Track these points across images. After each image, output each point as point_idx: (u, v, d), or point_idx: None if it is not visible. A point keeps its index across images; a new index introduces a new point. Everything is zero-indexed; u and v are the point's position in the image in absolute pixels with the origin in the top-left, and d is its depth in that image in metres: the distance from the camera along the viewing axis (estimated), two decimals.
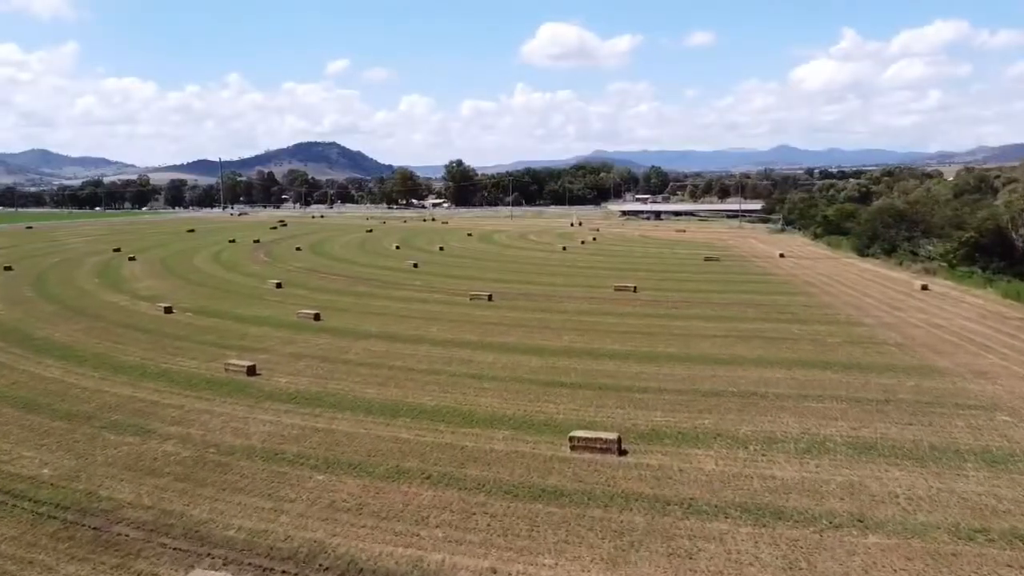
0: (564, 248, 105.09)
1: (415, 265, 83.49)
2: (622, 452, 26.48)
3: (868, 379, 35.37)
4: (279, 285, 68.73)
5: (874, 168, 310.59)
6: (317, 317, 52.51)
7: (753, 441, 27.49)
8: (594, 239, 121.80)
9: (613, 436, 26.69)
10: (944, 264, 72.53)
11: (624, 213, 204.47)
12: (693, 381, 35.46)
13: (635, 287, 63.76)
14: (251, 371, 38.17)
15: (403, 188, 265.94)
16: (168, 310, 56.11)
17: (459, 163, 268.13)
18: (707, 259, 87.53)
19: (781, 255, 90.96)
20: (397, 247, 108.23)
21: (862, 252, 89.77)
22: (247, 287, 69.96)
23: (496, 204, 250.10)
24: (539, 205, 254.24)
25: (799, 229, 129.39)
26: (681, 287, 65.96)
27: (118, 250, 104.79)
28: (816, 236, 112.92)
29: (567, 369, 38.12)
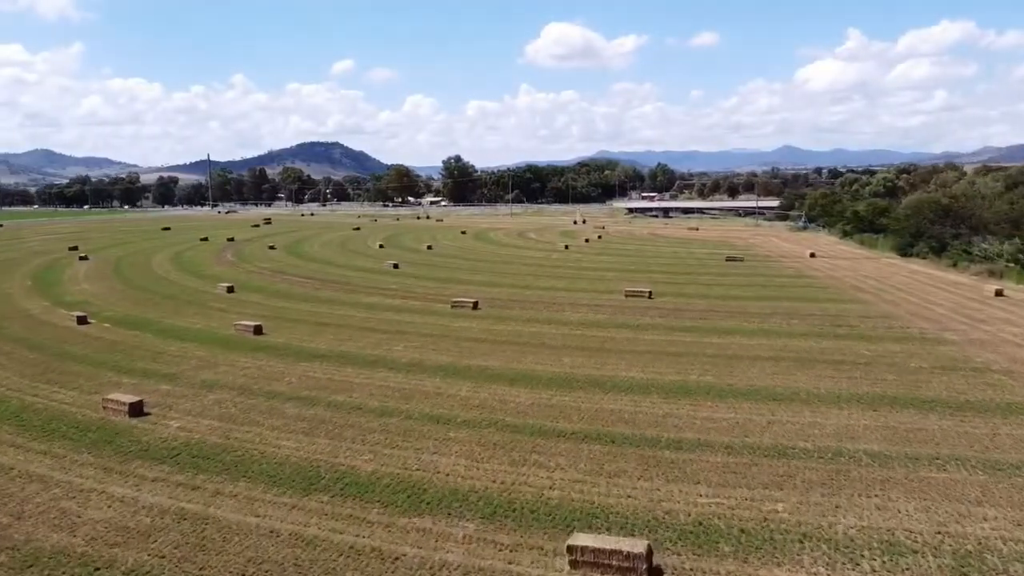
0: (566, 247, 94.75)
1: (395, 266, 73.20)
2: (654, 573, 16.27)
3: (995, 428, 25.01)
4: (231, 289, 58.54)
5: (881, 168, 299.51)
6: (258, 330, 42.29)
7: (866, 550, 17.15)
8: (599, 237, 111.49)
9: (639, 548, 16.32)
10: (1012, 265, 61.99)
11: (631, 211, 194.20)
12: (746, 430, 25.16)
13: (650, 292, 53.44)
14: (135, 410, 27.97)
15: (399, 185, 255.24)
16: (82, 320, 46.01)
17: (457, 159, 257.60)
18: (729, 259, 77.09)
19: (812, 255, 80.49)
20: (381, 246, 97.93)
21: (904, 251, 79.26)
22: (194, 291, 59.79)
23: (496, 202, 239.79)
24: (541, 203, 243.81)
25: (823, 227, 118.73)
26: (706, 292, 55.50)
27: (75, 248, 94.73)
28: (845, 234, 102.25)
29: (567, 408, 27.87)
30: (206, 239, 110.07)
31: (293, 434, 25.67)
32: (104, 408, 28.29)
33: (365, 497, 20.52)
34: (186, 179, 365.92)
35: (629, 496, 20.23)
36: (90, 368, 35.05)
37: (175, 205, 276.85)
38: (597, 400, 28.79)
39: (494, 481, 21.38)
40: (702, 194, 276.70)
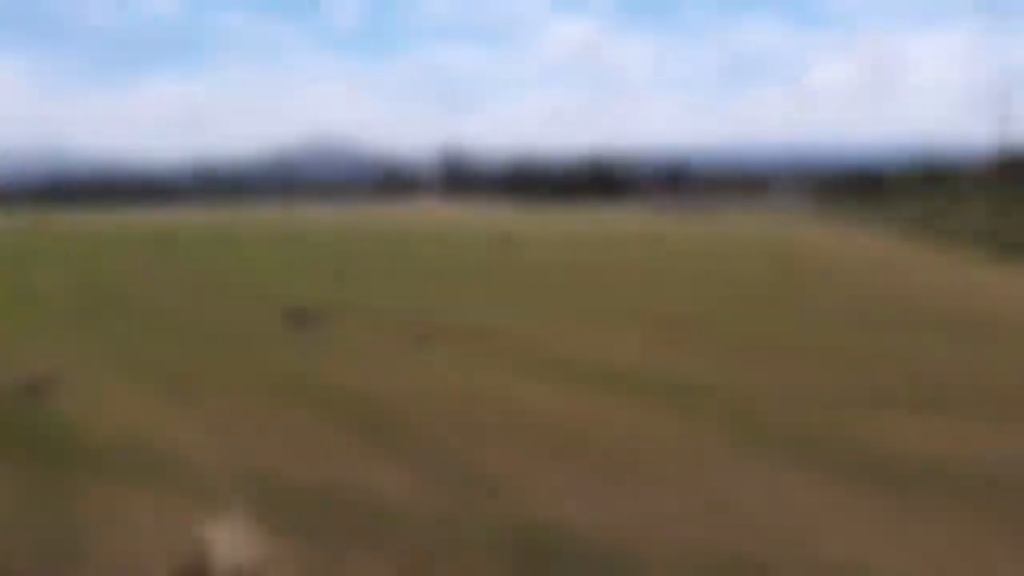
0: (522, 245, 70.48)
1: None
2: None
3: None
4: None
5: (893, 167, 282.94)
6: None
7: None
8: (592, 237, 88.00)
9: None
10: None
11: (638, 207, 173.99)
12: None
13: (695, 312, 28.68)
14: None
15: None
16: None
17: (453, 148, 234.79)
18: (791, 271, 52.57)
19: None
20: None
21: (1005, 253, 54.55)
22: None
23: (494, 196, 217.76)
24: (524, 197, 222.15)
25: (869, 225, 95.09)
26: (796, 338, 30.29)
27: None
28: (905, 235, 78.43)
29: None
30: None
31: None
32: None
33: None
34: None
35: None
36: None
37: None
38: None
39: None
40: (716, 191, 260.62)
